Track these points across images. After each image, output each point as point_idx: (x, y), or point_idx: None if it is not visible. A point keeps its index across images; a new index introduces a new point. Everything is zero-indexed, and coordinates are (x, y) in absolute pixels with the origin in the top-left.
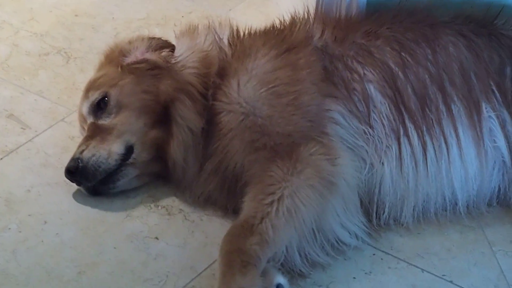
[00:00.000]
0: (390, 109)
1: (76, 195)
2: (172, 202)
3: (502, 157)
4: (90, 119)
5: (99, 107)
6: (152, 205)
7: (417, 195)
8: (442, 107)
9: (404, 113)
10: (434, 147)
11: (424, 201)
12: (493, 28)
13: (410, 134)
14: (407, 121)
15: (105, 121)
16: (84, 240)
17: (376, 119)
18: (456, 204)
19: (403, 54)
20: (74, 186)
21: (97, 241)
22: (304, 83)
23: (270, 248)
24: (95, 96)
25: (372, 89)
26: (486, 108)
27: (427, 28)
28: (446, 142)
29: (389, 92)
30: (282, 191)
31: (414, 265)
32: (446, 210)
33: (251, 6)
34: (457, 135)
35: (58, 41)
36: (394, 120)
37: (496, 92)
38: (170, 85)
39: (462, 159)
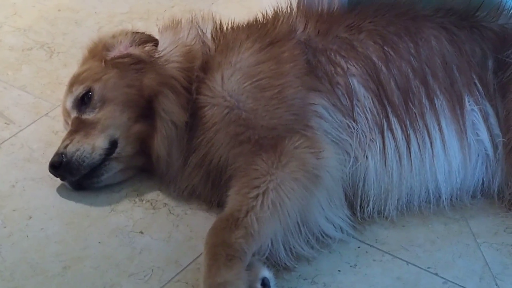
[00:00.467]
0: (373, 103)
1: (60, 190)
2: (156, 196)
3: (485, 150)
4: (74, 114)
5: (83, 101)
6: (136, 200)
7: (401, 188)
8: (425, 100)
9: (388, 107)
10: (417, 141)
11: (408, 194)
12: (474, 20)
13: (393, 128)
14: (390, 115)
15: (89, 116)
16: (69, 234)
17: (360, 113)
18: (440, 197)
19: (385, 48)
20: (58, 181)
21: (82, 236)
22: (288, 77)
23: (255, 241)
24: (79, 90)
25: (355, 83)
26: (468, 102)
27: (409, 22)
28: (429, 136)
29: (372, 86)
30: (267, 185)
31: (399, 258)
32: (430, 203)
33: (233, 0)
34: (440, 129)
35: (41, 36)
36: (378, 114)
37: (478, 85)
38: (154, 79)
39: (445, 153)
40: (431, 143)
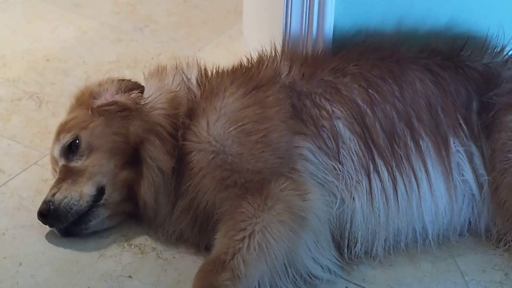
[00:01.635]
0: (359, 145)
1: (50, 237)
2: (145, 241)
3: (471, 190)
4: (61, 162)
5: (70, 149)
6: (125, 244)
7: (388, 229)
8: (410, 143)
9: (373, 150)
10: (404, 182)
11: (395, 235)
12: (459, 60)
13: (380, 170)
14: (376, 157)
15: (76, 163)
16: (58, 281)
17: (346, 155)
18: (427, 237)
19: (370, 91)
20: (48, 228)
21: (72, 282)
22: (273, 121)
23: (242, 283)
24: (66, 139)
25: (340, 126)
26: (454, 143)
27: (394, 64)
28: (416, 178)
29: (358, 129)
30: (253, 227)
31: None
32: (417, 242)
33: (220, 46)
34: (426, 170)
35: (30, 86)
36: (364, 156)
37: (463, 126)
38: (140, 126)
39: (432, 194)
40: (417, 184)
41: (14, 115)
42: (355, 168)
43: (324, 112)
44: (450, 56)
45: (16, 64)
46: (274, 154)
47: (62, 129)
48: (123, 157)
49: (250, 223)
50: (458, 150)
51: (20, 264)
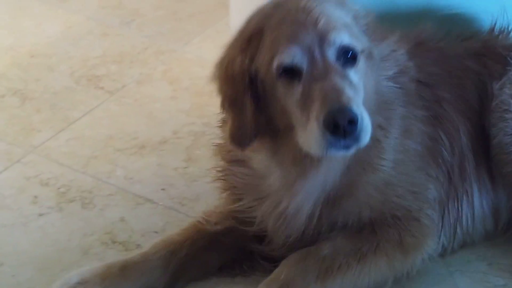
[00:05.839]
0: None
1: (32, 235)
2: (129, 238)
3: None
4: None
5: None
6: (109, 242)
7: None
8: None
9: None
10: None
11: None
12: None
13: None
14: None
15: None
16: (40, 280)
17: None
18: None
19: None
20: (31, 226)
21: (54, 281)
22: None
23: None
24: None
25: None
26: None
27: None
28: None
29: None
30: None
31: None
32: None
33: (207, 40)
34: None
35: (14, 82)
36: None
37: None
38: None
39: None
40: None
41: None
42: None
43: None
44: None
45: None
46: None
47: None
48: None
49: None
50: None
51: (2, 264)
